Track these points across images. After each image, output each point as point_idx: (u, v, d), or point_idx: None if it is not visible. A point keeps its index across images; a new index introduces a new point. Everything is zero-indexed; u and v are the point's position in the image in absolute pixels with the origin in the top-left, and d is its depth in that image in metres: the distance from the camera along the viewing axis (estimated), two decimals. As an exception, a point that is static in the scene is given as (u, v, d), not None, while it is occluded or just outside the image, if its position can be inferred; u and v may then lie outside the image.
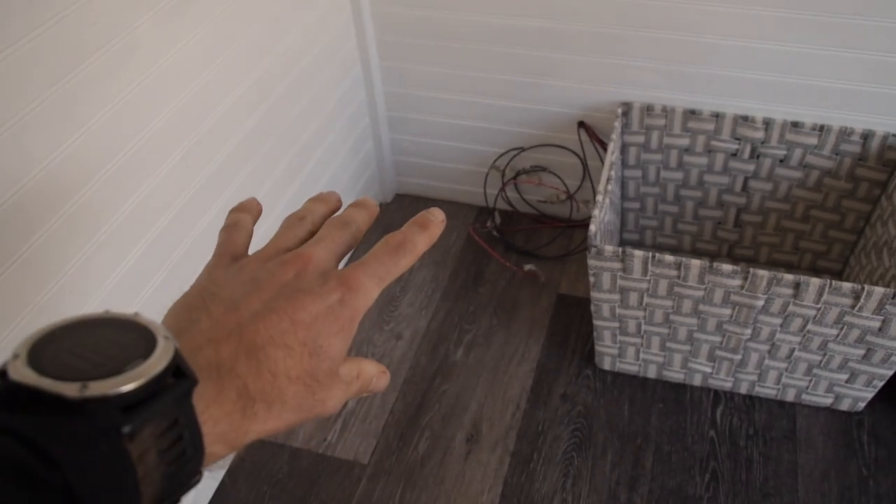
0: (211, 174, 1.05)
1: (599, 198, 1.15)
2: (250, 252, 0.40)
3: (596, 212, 1.12)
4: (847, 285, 1.01)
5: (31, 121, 0.73)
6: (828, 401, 1.24)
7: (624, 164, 1.40)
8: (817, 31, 1.17)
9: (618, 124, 1.30)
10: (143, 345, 0.29)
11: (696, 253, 1.52)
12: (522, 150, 1.52)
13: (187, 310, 0.35)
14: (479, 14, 1.32)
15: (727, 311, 1.11)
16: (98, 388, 0.27)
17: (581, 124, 1.42)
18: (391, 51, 1.44)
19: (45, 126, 0.75)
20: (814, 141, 1.28)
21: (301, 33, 1.23)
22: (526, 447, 1.23)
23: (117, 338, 0.30)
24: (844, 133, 1.25)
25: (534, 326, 1.41)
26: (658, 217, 1.49)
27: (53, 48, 0.74)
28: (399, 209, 1.69)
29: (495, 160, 1.56)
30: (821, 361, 1.16)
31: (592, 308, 1.20)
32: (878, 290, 1.00)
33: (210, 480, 1.17)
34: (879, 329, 1.06)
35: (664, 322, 1.18)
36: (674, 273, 1.08)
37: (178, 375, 0.29)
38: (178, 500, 0.30)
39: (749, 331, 1.14)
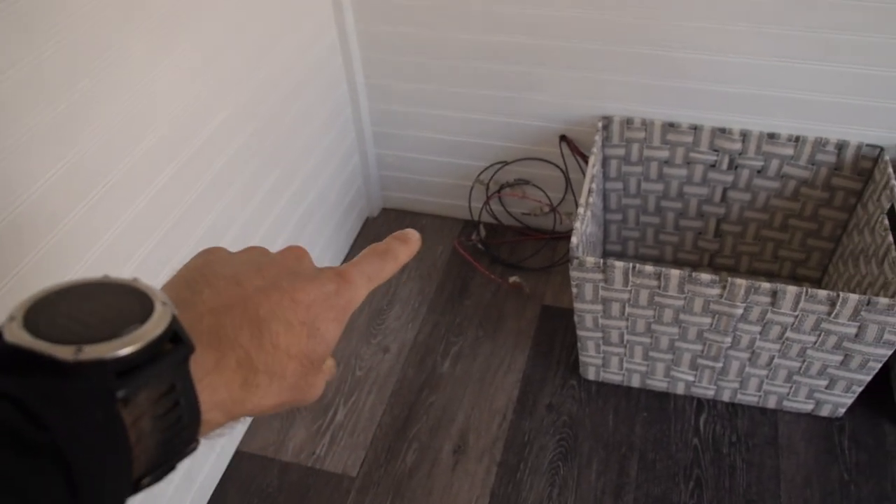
0: (202, 190, 1.07)
1: (581, 210, 1.17)
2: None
3: (577, 224, 1.14)
4: (823, 293, 1.04)
5: (29, 141, 0.74)
6: (808, 407, 1.26)
7: (605, 177, 1.43)
8: (791, 45, 1.20)
9: (598, 138, 1.33)
10: (140, 310, 0.29)
11: (677, 263, 1.55)
12: (506, 163, 1.54)
13: (188, 283, 0.35)
14: (461, 31, 1.35)
15: (707, 320, 1.14)
16: (93, 352, 0.26)
17: (563, 138, 1.45)
18: (376, 68, 1.47)
19: (41, 146, 0.76)
20: (790, 152, 1.31)
21: (288, 52, 1.25)
22: (512, 457, 1.24)
23: (115, 302, 0.30)
24: (819, 143, 1.28)
25: (519, 337, 1.43)
26: (640, 228, 1.51)
27: (52, 70, 0.76)
28: (386, 223, 1.70)
29: (479, 174, 1.58)
30: (800, 368, 1.18)
31: (576, 318, 1.22)
32: (853, 297, 1.02)
33: (199, 494, 1.18)
34: (856, 335, 1.08)
35: (646, 331, 1.20)
36: (654, 283, 1.10)
37: (176, 342, 0.29)
38: (174, 466, 0.31)
39: (729, 339, 1.16)
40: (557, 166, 1.50)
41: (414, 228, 0.43)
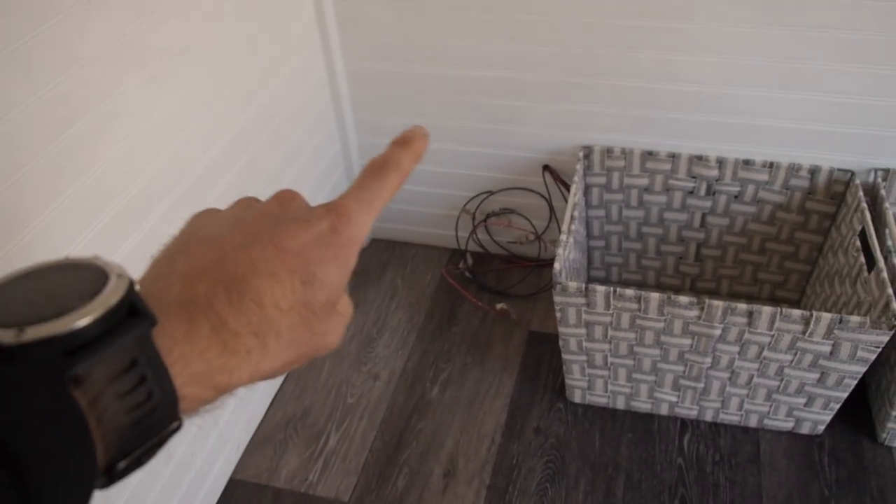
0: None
1: (563, 237, 1.21)
2: None
3: (560, 250, 1.18)
4: (797, 312, 1.07)
5: (28, 178, 0.78)
6: (789, 425, 1.30)
7: (588, 205, 1.47)
8: (763, 75, 1.25)
9: (580, 167, 1.37)
10: (94, 284, 0.27)
11: (660, 287, 1.59)
12: (491, 193, 1.58)
13: (167, 255, 0.33)
14: (446, 66, 1.40)
15: (687, 341, 1.17)
16: (36, 332, 0.25)
17: (546, 167, 1.49)
18: (364, 103, 1.51)
19: (40, 182, 0.80)
20: (765, 177, 1.35)
21: (277, 89, 1.29)
22: (501, 480, 1.27)
23: (66, 280, 0.28)
24: (793, 169, 1.33)
25: (507, 363, 1.46)
26: (623, 254, 1.55)
27: (51, 110, 0.79)
28: (375, 253, 1.74)
29: (465, 204, 1.62)
30: (779, 386, 1.21)
31: (560, 342, 1.25)
32: (826, 316, 1.06)
33: (194, 523, 1.20)
34: (830, 353, 1.12)
35: (629, 353, 1.23)
36: (634, 306, 1.13)
37: (136, 315, 0.28)
38: (154, 449, 0.29)
39: (709, 359, 1.19)
40: (541, 195, 1.55)
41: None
